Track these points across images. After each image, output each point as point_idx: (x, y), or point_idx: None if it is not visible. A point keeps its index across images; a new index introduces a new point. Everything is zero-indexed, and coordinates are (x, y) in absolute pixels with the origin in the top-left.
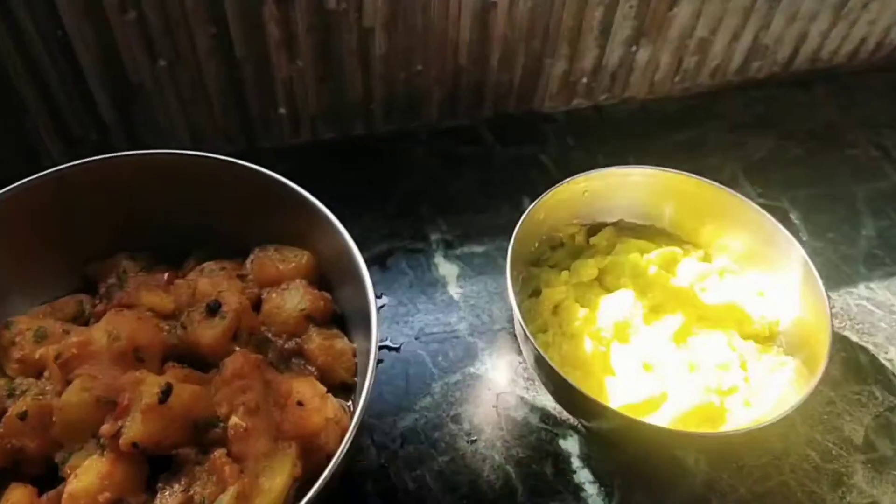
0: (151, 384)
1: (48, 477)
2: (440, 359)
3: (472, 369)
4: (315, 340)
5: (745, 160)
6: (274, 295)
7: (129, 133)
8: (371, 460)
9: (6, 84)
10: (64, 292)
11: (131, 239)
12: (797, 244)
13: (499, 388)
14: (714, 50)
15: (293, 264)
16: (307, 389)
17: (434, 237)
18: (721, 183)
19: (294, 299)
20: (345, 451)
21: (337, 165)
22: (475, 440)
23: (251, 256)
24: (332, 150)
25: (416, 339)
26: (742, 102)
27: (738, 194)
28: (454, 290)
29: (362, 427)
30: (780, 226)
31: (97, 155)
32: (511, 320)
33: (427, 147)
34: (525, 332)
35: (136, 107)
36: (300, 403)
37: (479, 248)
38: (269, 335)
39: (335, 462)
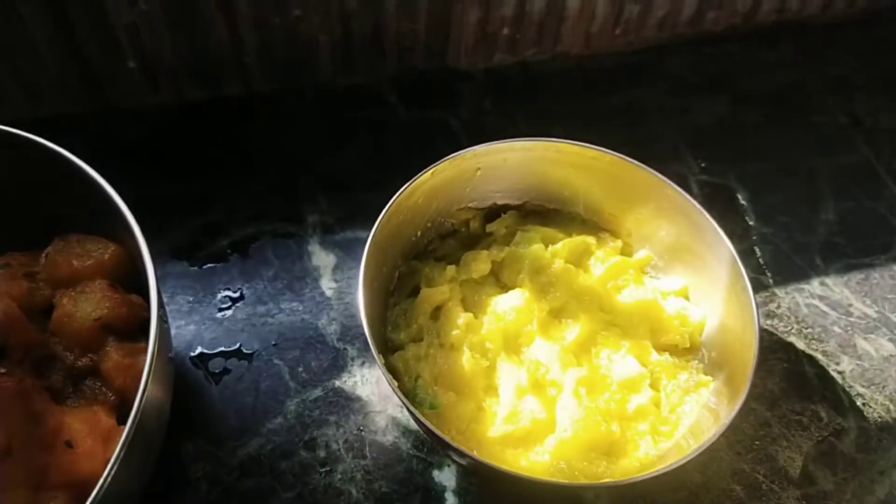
0: None
1: None
2: (300, 370)
3: (337, 383)
4: (112, 358)
5: (690, 128)
6: (66, 300)
7: None
8: (199, 497)
9: None
10: None
11: None
12: (725, 238)
13: (368, 406)
14: None
15: (93, 260)
16: (81, 425)
17: (311, 219)
18: (661, 155)
19: (89, 305)
20: (100, 494)
21: (205, 129)
22: (330, 471)
23: (47, 249)
24: (201, 111)
25: (273, 345)
26: (693, 60)
27: (658, 174)
28: (327, 285)
29: (183, 457)
30: (706, 214)
31: None
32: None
33: (314, 109)
34: (373, 347)
35: None
36: (69, 444)
37: (364, 234)
38: (60, 349)
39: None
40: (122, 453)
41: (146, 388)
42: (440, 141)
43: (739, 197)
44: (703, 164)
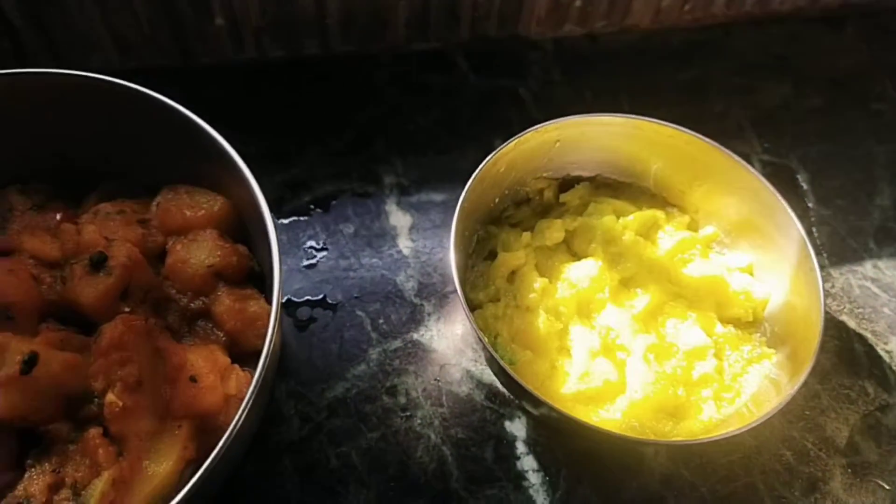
0: (14, 351)
1: None
2: (381, 322)
3: (415, 336)
4: (224, 302)
5: (755, 108)
6: (179, 247)
7: (45, 41)
8: (291, 432)
9: None
10: None
11: (28, 168)
12: (795, 220)
13: (444, 358)
14: None
15: (203, 211)
16: (204, 362)
17: (388, 180)
18: (725, 133)
19: (202, 253)
20: (236, 430)
21: (284, 89)
22: (410, 416)
23: (157, 198)
24: (280, 70)
25: (355, 297)
26: (759, 40)
27: (734, 154)
28: (404, 244)
29: (277, 395)
30: (778, 196)
31: (10, 64)
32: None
33: (389, 73)
34: (464, 305)
35: (48, 10)
36: (193, 379)
37: (437, 197)
38: (173, 292)
39: (225, 441)
40: (255, 393)
41: (274, 331)
42: (511, 110)
43: (799, 178)
44: (765, 144)
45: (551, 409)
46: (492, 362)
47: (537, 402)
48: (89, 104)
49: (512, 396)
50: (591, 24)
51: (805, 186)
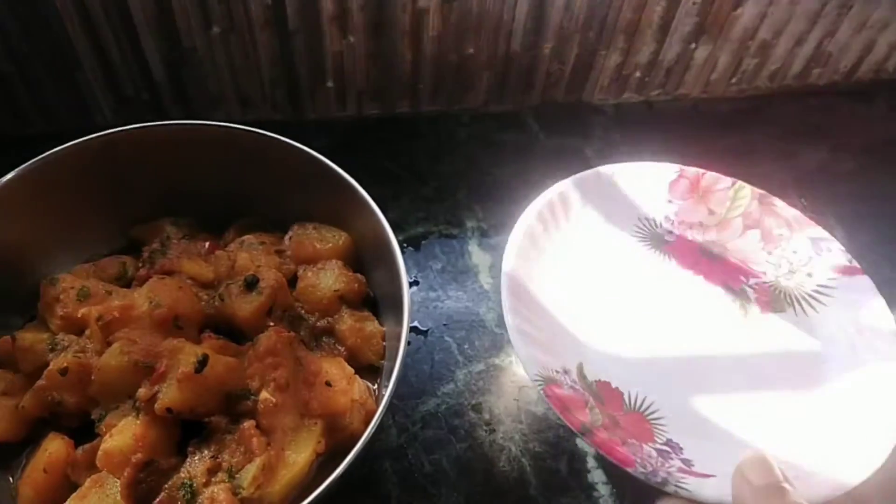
0: (189, 353)
1: (85, 429)
2: (466, 347)
3: (496, 360)
4: (347, 322)
5: (796, 170)
6: (310, 273)
7: (179, 95)
8: (391, 440)
9: (63, 39)
10: (107, 251)
11: (175, 204)
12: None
13: (521, 381)
14: (775, 53)
15: (331, 244)
16: (336, 370)
17: (470, 224)
18: (769, 191)
19: (329, 279)
20: (372, 433)
21: (379, 142)
22: (494, 430)
23: (290, 233)
24: (376, 126)
25: (444, 325)
26: (798, 109)
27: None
28: (485, 280)
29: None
30: None
31: (148, 114)
32: None
33: (469, 130)
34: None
35: (187, 70)
36: (328, 384)
37: None
38: (302, 312)
39: (363, 442)
40: (388, 402)
41: (404, 356)
42: (577, 165)
43: (836, 234)
44: (804, 202)
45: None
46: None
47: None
48: (235, 150)
49: None
50: (647, 93)
51: (841, 241)
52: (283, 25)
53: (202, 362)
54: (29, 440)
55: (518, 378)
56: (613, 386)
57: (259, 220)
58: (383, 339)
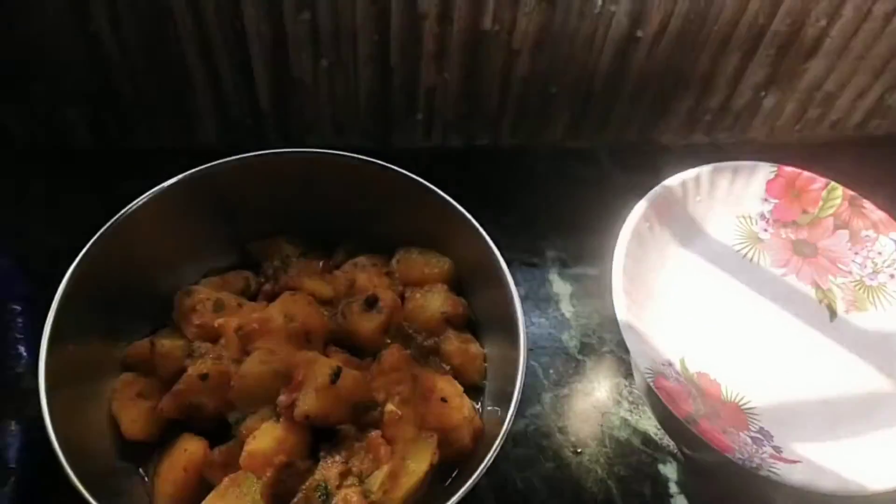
0: (323, 365)
1: (215, 432)
2: (551, 371)
3: (579, 386)
4: (453, 342)
5: None
6: (418, 295)
7: (279, 122)
8: None
9: (181, 64)
10: (224, 265)
11: (285, 224)
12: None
13: (604, 407)
14: (838, 104)
15: (437, 269)
16: (450, 388)
17: (549, 254)
18: None
19: (436, 302)
20: (497, 450)
21: (461, 172)
22: (580, 452)
23: (397, 256)
24: (458, 157)
25: (529, 350)
26: (856, 157)
27: None
28: (566, 309)
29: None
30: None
31: (248, 137)
32: (620, 344)
33: (546, 165)
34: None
35: (292, 99)
36: (444, 399)
37: (591, 271)
38: (411, 331)
39: (491, 456)
40: (511, 421)
41: (524, 371)
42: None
43: None
44: None
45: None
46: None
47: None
48: (344, 176)
49: (667, 441)
50: (715, 135)
51: None
52: (386, 61)
53: (336, 374)
54: (161, 441)
55: (601, 404)
56: (712, 378)
57: (364, 242)
58: (484, 361)
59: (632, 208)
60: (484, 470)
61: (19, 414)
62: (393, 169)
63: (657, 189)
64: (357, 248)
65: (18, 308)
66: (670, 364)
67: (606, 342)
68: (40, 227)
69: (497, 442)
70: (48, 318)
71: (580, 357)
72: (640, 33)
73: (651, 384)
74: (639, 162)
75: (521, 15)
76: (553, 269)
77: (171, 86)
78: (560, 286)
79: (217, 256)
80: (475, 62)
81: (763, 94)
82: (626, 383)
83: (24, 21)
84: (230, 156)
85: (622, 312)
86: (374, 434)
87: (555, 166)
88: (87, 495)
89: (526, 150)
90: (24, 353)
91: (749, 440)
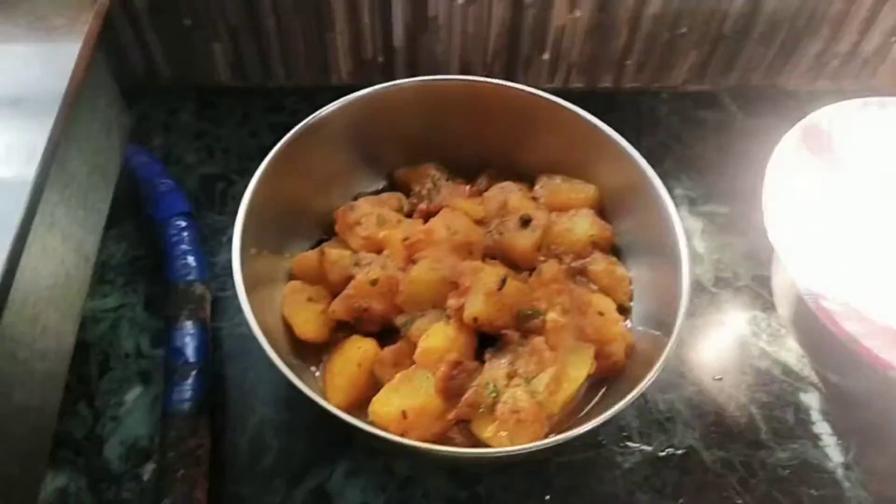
0: (490, 273)
1: (380, 336)
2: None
3: (717, 317)
4: (601, 264)
5: None
6: (564, 219)
7: (409, 60)
8: None
9: (326, 4)
10: (371, 190)
11: (428, 152)
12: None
13: (742, 338)
14: None
15: (583, 195)
16: (606, 303)
17: (678, 192)
18: None
19: (584, 225)
20: (659, 370)
21: None
22: (720, 379)
23: (540, 182)
24: (579, 99)
25: None
26: None
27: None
28: (697, 244)
29: None
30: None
31: (378, 76)
32: (755, 279)
33: (669, 107)
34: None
35: (424, 37)
36: (601, 313)
37: (721, 209)
38: (558, 253)
39: (656, 370)
40: (676, 340)
41: (689, 293)
42: (771, 145)
43: None
44: None
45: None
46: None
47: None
48: (483, 102)
49: (808, 371)
50: (839, 81)
51: None
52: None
53: (503, 281)
54: (328, 343)
55: (739, 335)
56: (867, 303)
57: (505, 169)
58: (630, 283)
59: (759, 152)
60: (641, 390)
61: (194, 317)
62: (539, 94)
63: (806, 120)
64: (500, 175)
65: (183, 223)
66: (827, 288)
67: (741, 277)
68: (190, 155)
69: (659, 362)
70: (236, 229)
71: (714, 290)
72: None
73: (811, 304)
74: (763, 107)
75: None
76: (682, 206)
77: (311, 23)
78: (690, 223)
79: (364, 182)
80: (607, 0)
81: (893, 39)
82: (765, 316)
83: None
84: None
85: (778, 236)
86: (538, 340)
87: (677, 108)
88: (288, 374)
89: (647, 93)
90: (193, 263)
91: None
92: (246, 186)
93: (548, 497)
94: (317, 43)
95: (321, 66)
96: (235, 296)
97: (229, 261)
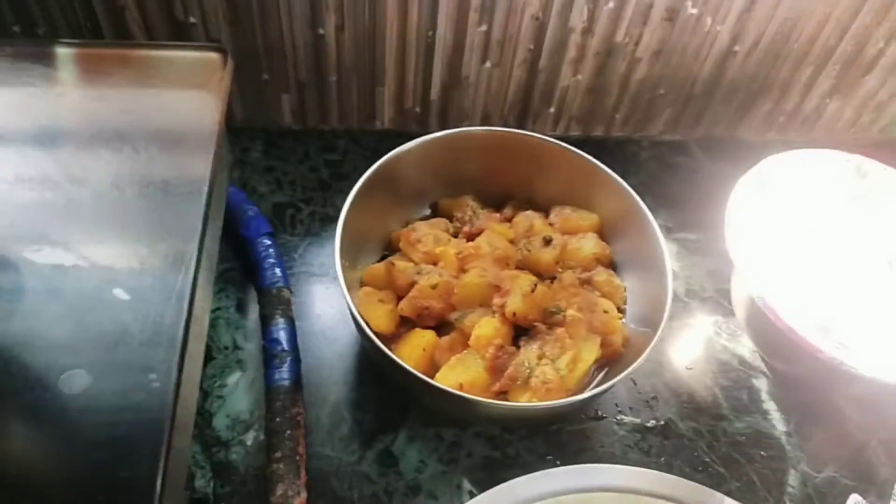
0: (525, 280)
1: (436, 328)
2: None
3: (688, 321)
4: (602, 275)
5: None
6: (574, 240)
7: (441, 111)
8: None
9: (380, 63)
10: (418, 217)
11: (465, 186)
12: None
13: (708, 337)
14: (888, 111)
15: (588, 222)
16: (608, 304)
17: (658, 222)
18: None
19: (589, 245)
20: (649, 351)
21: None
22: (692, 368)
23: (554, 212)
24: (577, 144)
25: None
26: None
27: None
28: (673, 263)
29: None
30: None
31: (413, 123)
32: (718, 291)
33: (649, 153)
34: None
35: (455, 92)
36: (605, 312)
37: (691, 236)
38: (570, 266)
39: (646, 354)
40: (663, 330)
41: (672, 298)
42: (733, 184)
43: None
44: None
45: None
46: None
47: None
48: (508, 149)
49: (758, 362)
50: (786, 134)
51: None
52: (535, 65)
53: (535, 286)
54: (396, 335)
55: (704, 334)
56: (801, 304)
57: (525, 200)
58: (624, 291)
59: (720, 190)
60: (634, 369)
61: (285, 315)
62: (550, 141)
63: (759, 165)
64: (520, 205)
65: (268, 242)
66: (772, 292)
67: (707, 289)
68: (263, 186)
69: (646, 352)
70: (336, 242)
71: (686, 299)
72: (737, 48)
73: (760, 304)
74: (724, 154)
75: (647, 30)
76: (661, 233)
77: (366, 79)
78: (667, 246)
79: (414, 210)
80: (604, 67)
81: (827, 101)
82: (725, 320)
83: (269, 24)
84: (400, 138)
85: (736, 253)
86: (560, 330)
87: (655, 154)
88: (386, 349)
89: (631, 141)
90: (280, 273)
91: (833, 348)
92: (310, 213)
93: (561, 457)
94: (367, 95)
95: (369, 113)
96: (307, 301)
97: (303, 272)
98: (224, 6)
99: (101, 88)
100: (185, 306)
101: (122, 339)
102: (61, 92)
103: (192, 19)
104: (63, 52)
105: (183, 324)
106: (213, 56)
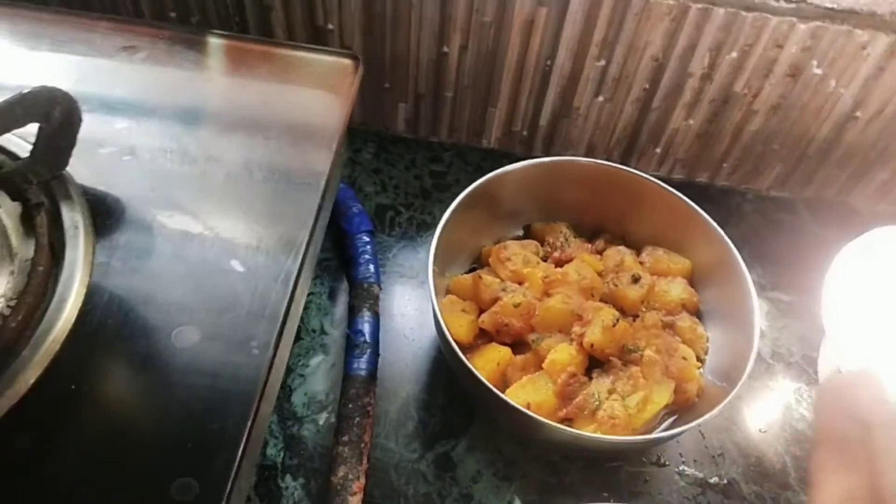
0: (608, 313)
1: (513, 346)
2: None
3: (770, 383)
4: (686, 322)
5: None
6: (663, 282)
7: (547, 137)
8: None
9: (497, 84)
10: (512, 236)
11: (560, 212)
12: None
13: (787, 403)
14: None
15: (679, 266)
16: (689, 351)
17: (752, 277)
18: None
19: (677, 290)
20: (726, 405)
21: None
22: (765, 431)
23: (647, 251)
24: (679, 187)
25: None
26: None
27: None
28: (763, 322)
29: None
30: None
31: (518, 146)
32: (804, 358)
33: (752, 206)
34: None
35: (564, 121)
36: (684, 358)
37: (785, 297)
38: (655, 307)
39: (721, 408)
40: (741, 387)
41: (756, 354)
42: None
43: None
44: None
45: None
46: None
47: None
48: (609, 183)
49: None
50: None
51: None
52: (648, 104)
53: (617, 320)
54: (472, 345)
55: (784, 399)
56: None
57: (618, 235)
58: (707, 341)
59: (822, 255)
60: (705, 421)
61: (371, 309)
62: (651, 180)
63: (866, 235)
64: (613, 240)
65: (367, 239)
66: (861, 367)
67: (794, 354)
68: (369, 187)
69: (721, 406)
70: (431, 249)
71: (770, 361)
72: (858, 113)
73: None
74: (831, 218)
75: (767, 84)
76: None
77: (480, 98)
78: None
79: (507, 229)
80: (718, 114)
81: None
82: (808, 389)
83: (399, 38)
84: (504, 158)
85: (829, 323)
86: (635, 369)
87: (759, 208)
88: (463, 357)
89: (735, 192)
90: (373, 270)
91: None
92: (409, 218)
93: (616, 496)
94: (479, 113)
95: (477, 130)
96: (393, 299)
97: (393, 272)
98: (361, 17)
99: (243, 79)
100: (290, 287)
101: (232, 306)
102: (209, 78)
103: (330, 26)
104: (214, 41)
105: (286, 302)
106: (346, 62)
